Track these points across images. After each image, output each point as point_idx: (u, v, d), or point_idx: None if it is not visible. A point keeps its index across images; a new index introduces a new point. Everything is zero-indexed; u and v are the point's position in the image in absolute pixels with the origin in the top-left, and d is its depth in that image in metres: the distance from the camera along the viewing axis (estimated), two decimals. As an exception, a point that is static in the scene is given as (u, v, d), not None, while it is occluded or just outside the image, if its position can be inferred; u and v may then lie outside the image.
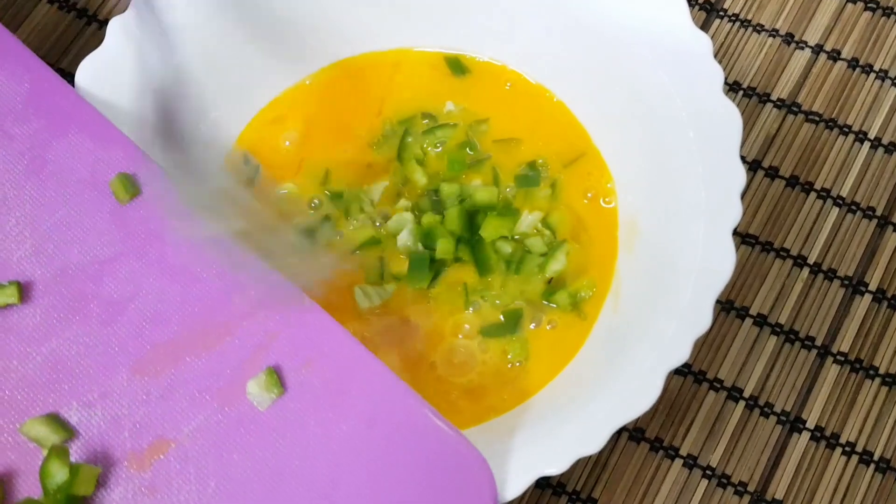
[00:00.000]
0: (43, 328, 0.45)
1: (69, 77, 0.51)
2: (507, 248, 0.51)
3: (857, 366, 0.54)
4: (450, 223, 0.51)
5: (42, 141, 0.49)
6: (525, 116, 0.55)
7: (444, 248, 0.50)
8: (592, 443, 0.42)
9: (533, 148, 0.54)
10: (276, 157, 0.54)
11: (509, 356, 0.49)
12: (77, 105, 0.49)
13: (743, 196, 0.53)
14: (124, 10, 0.51)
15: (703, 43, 0.48)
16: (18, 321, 0.45)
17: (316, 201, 0.53)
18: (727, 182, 0.45)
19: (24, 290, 0.46)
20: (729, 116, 0.46)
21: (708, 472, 0.52)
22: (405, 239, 0.51)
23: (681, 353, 0.43)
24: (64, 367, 0.44)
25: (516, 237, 0.51)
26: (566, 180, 0.53)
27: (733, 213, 0.45)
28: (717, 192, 0.46)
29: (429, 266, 0.50)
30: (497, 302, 0.50)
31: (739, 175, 0.45)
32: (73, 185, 0.48)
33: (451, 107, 0.55)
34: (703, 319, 0.43)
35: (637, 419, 0.52)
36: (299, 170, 0.54)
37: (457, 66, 0.56)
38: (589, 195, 0.52)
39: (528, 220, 0.51)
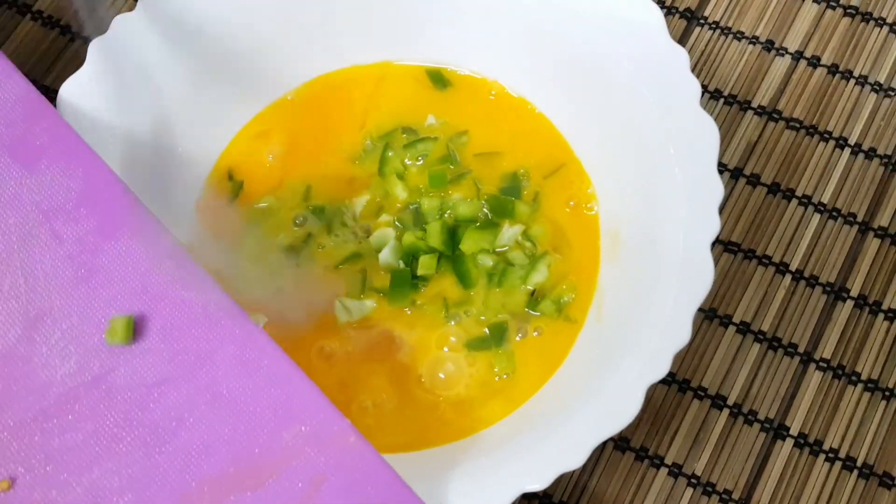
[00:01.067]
0: (85, 456, 0.41)
1: (53, 94, 0.51)
2: (488, 261, 0.51)
3: (840, 372, 0.54)
4: (431, 238, 0.51)
5: (92, 245, 0.45)
6: (506, 128, 0.55)
7: (425, 264, 0.51)
8: (575, 458, 0.42)
9: (514, 160, 0.54)
10: (260, 172, 0.55)
11: (496, 369, 0.49)
12: (130, 205, 0.46)
13: (724, 204, 0.54)
14: (105, 32, 0.51)
15: (680, 57, 0.48)
16: (60, 445, 0.42)
17: (300, 219, 0.53)
18: (705, 196, 0.46)
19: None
20: (706, 130, 0.47)
21: (693, 480, 0.52)
22: (387, 256, 0.51)
23: (661, 368, 0.43)
24: (105, 501, 0.40)
25: (498, 250, 0.51)
26: (548, 191, 0.53)
27: (712, 226, 0.45)
28: (696, 206, 0.46)
29: (410, 283, 0.51)
30: (482, 318, 0.50)
31: (717, 189, 0.46)
32: (124, 298, 0.44)
33: (433, 120, 0.55)
34: (682, 333, 0.44)
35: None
36: (281, 185, 0.54)
37: (439, 79, 0.56)
38: (571, 203, 0.53)
39: (510, 233, 0.52)
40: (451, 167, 0.54)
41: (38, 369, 0.43)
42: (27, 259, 0.45)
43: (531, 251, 0.51)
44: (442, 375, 0.50)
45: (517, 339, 0.50)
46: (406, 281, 0.50)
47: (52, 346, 0.43)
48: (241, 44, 0.54)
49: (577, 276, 0.51)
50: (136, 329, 0.43)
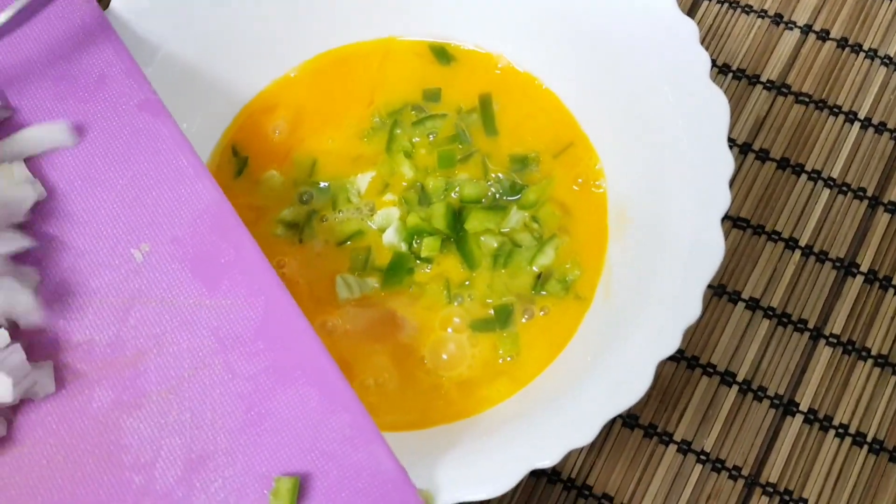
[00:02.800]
0: None
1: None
2: (493, 242, 0.50)
3: (850, 347, 0.54)
4: (435, 220, 0.50)
5: (265, 386, 0.42)
6: (513, 106, 0.55)
7: (429, 246, 0.50)
8: (584, 434, 0.42)
9: (522, 139, 0.54)
10: (265, 147, 0.54)
11: (500, 351, 0.49)
12: (311, 346, 0.42)
13: (733, 180, 0.53)
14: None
15: (689, 29, 0.48)
16: None
17: (305, 195, 0.53)
18: (715, 170, 0.45)
19: None
20: (716, 103, 0.46)
21: (702, 457, 0.52)
22: (390, 237, 0.51)
23: (671, 343, 0.43)
24: None
25: (504, 230, 0.51)
26: (556, 171, 0.53)
27: (722, 201, 0.45)
28: (706, 180, 0.45)
29: (408, 269, 0.51)
30: (487, 300, 0.50)
31: (728, 162, 0.45)
32: (292, 451, 0.41)
33: (441, 97, 0.55)
34: (692, 309, 0.43)
35: (630, 406, 0.53)
36: (286, 159, 0.54)
37: (442, 54, 0.56)
38: (579, 181, 0.52)
39: (517, 216, 0.51)
40: (460, 146, 0.53)
41: None
42: (197, 391, 0.42)
43: (538, 233, 0.51)
44: (444, 356, 0.49)
45: (523, 321, 0.50)
46: (404, 266, 0.50)
47: (211, 497, 0.40)
48: (244, 20, 0.54)
49: (585, 255, 0.51)
50: (300, 490, 0.40)
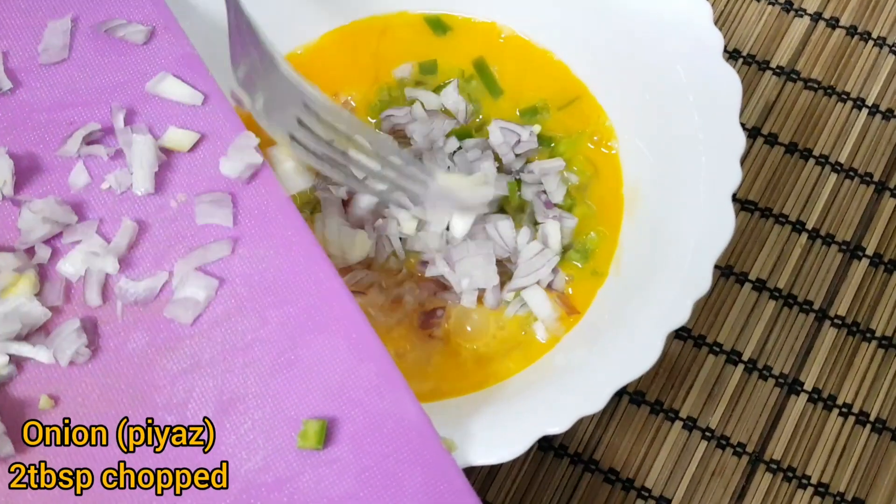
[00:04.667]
0: None
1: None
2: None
3: (854, 329, 0.55)
4: None
5: (296, 333, 0.43)
6: (513, 65, 0.55)
7: None
8: (594, 403, 0.43)
9: (525, 94, 0.54)
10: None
11: (523, 332, 0.50)
12: (341, 299, 0.43)
13: (742, 162, 0.54)
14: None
15: (703, 9, 0.48)
16: None
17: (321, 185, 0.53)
18: (727, 147, 0.46)
19: None
20: (729, 82, 0.47)
21: (707, 433, 0.53)
22: None
23: (681, 315, 0.44)
24: None
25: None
26: (571, 125, 0.54)
27: (733, 177, 0.45)
28: (717, 158, 0.46)
29: None
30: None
31: (739, 140, 0.46)
32: (320, 397, 0.42)
33: (443, 65, 0.55)
34: (702, 282, 0.44)
35: (637, 382, 0.54)
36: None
37: (438, 25, 0.56)
38: (595, 138, 0.53)
39: (553, 164, 0.52)
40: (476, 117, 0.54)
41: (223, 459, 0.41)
42: (229, 336, 0.43)
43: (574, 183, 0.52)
44: (468, 328, 0.50)
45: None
46: None
47: (241, 437, 0.41)
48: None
49: (604, 223, 0.51)
50: (327, 433, 0.41)
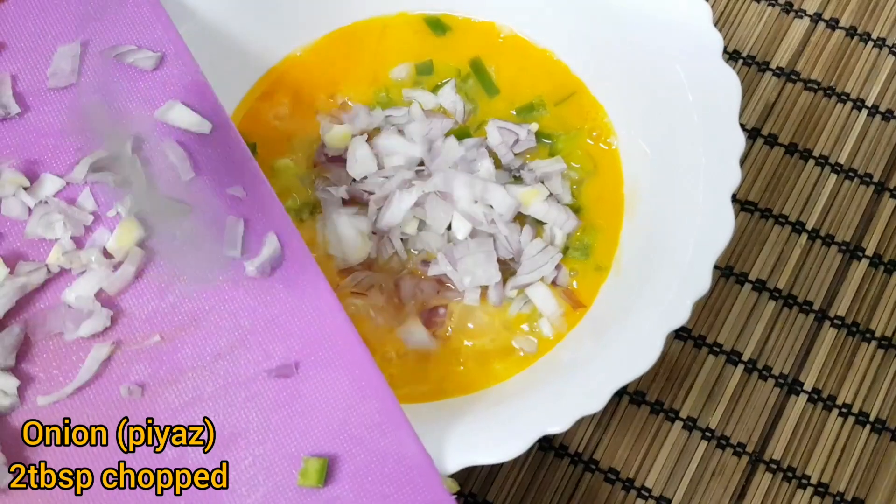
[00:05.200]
0: None
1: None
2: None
3: (854, 329, 0.55)
4: None
5: (298, 367, 0.43)
6: (509, 65, 0.55)
7: None
8: (594, 402, 0.43)
9: (521, 92, 0.54)
10: (268, 133, 0.54)
11: (527, 329, 0.50)
12: (345, 333, 0.43)
13: (742, 163, 0.54)
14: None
15: (702, 10, 0.48)
16: None
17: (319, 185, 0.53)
18: (726, 147, 0.46)
19: None
20: (728, 83, 0.47)
21: (707, 433, 0.53)
22: None
23: (681, 315, 0.44)
24: None
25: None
26: (571, 120, 0.54)
27: (733, 177, 0.46)
28: (717, 158, 0.46)
29: None
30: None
31: (739, 140, 0.46)
32: (321, 434, 0.42)
33: (441, 65, 0.55)
34: (702, 282, 0.44)
35: (637, 382, 0.54)
36: (290, 142, 0.54)
37: (437, 25, 0.56)
38: (594, 134, 0.53)
39: (555, 167, 0.52)
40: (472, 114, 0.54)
41: (224, 495, 0.41)
42: (231, 369, 0.42)
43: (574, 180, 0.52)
44: (471, 325, 0.50)
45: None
46: None
47: (242, 473, 0.41)
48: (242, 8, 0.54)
49: (603, 221, 0.51)
50: (327, 471, 0.41)
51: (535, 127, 0.53)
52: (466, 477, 0.51)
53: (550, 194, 0.51)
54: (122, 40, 0.48)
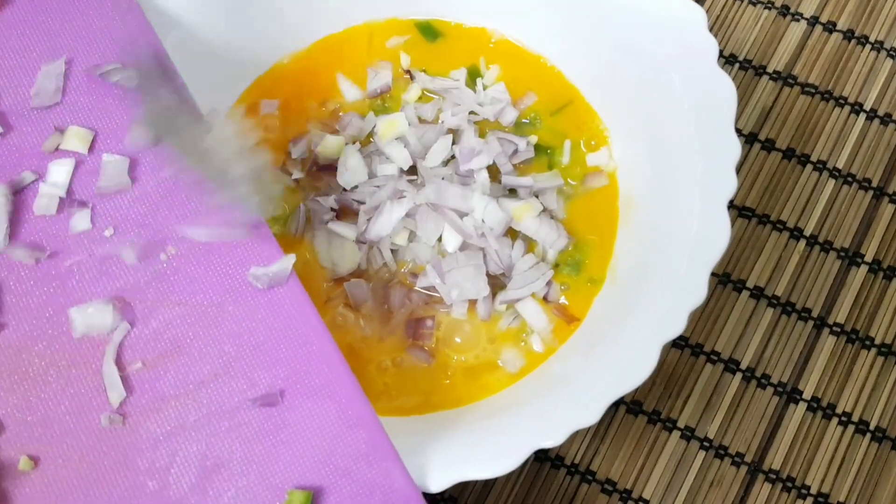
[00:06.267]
0: None
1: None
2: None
3: (853, 336, 0.54)
4: None
5: (283, 396, 0.42)
6: (504, 72, 0.55)
7: None
8: (589, 415, 0.42)
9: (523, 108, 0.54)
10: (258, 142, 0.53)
11: (517, 344, 0.49)
12: (332, 360, 0.42)
13: (739, 169, 0.53)
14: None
15: (697, 15, 0.48)
16: None
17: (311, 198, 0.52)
18: (722, 154, 0.46)
19: None
20: (724, 89, 0.46)
21: (705, 443, 0.52)
22: None
23: (676, 326, 0.43)
24: None
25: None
26: (567, 131, 0.53)
27: (728, 185, 0.45)
28: (713, 165, 0.46)
29: None
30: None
31: (734, 147, 0.45)
32: (306, 465, 0.41)
33: (434, 71, 0.55)
34: (698, 292, 0.43)
35: (634, 392, 0.53)
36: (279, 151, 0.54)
37: (429, 31, 0.56)
38: (592, 143, 0.53)
39: (552, 182, 0.51)
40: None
41: None
42: (215, 398, 0.41)
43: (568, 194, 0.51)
44: (458, 339, 0.49)
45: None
46: None
47: None
48: (230, 20, 0.54)
49: (595, 232, 0.51)
50: None
51: (534, 139, 0.52)
52: (461, 489, 0.51)
53: (544, 209, 0.50)
54: (107, 59, 0.47)
